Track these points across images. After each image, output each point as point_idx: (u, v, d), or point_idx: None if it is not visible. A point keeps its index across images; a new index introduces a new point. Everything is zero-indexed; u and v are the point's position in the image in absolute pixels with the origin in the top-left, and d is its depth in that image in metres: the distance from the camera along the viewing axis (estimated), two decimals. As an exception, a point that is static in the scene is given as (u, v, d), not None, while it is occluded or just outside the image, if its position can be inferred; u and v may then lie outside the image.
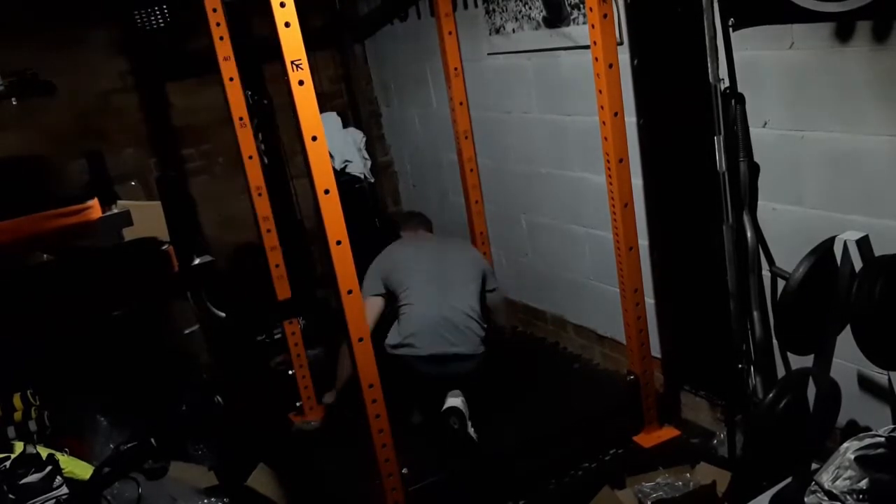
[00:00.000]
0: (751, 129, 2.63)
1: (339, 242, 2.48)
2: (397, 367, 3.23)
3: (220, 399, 3.52)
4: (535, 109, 3.69)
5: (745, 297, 2.72)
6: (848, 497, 1.78)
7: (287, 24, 2.30)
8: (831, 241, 2.22)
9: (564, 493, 2.97)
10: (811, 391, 2.32)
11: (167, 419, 3.18)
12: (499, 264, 4.20)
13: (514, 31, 3.60)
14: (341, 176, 4.48)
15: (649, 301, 3.21)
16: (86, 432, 2.93)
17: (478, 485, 3.02)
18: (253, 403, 3.81)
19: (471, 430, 3.09)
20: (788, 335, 2.38)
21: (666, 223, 3.16)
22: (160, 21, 3.95)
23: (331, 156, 3.37)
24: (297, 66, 2.33)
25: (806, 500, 1.87)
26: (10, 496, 2.13)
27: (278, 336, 4.05)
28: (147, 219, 3.06)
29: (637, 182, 3.08)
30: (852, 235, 2.15)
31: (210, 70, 3.35)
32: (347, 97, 5.00)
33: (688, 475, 2.75)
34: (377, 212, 4.79)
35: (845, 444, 1.88)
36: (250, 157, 3.43)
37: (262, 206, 3.49)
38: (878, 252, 2.16)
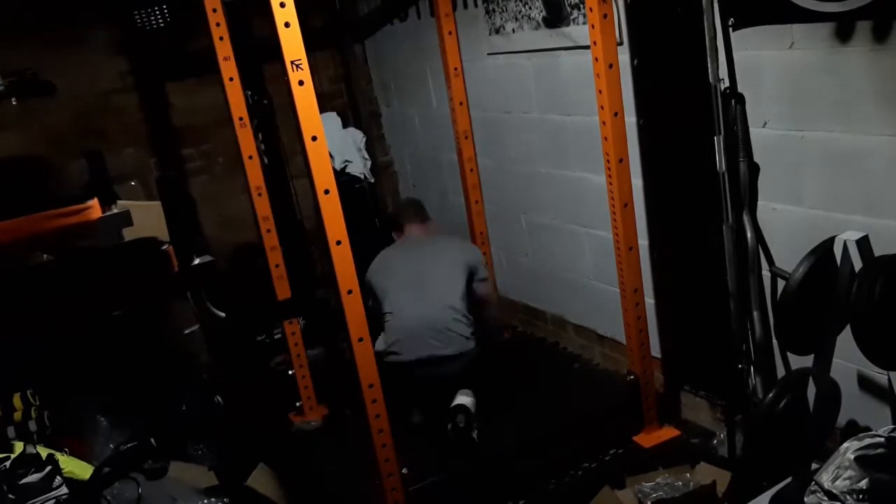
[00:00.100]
0: (751, 129, 2.62)
1: (339, 242, 2.48)
2: (390, 373, 3.22)
3: (220, 399, 3.52)
4: (535, 109, 3.68)
5: (745, 297, 2.72)
6: (848, 497, 1.78)
7: (287, 24, 2.30)
8: (831, 241, 2.22)
9: (564, 493, 2.97)
10: (811, 391, 2.32)
11: (167, 419, 3.18)
12: (499, 264, 4.20)
13: (514, 31, 3.60)
14: (341, 176, 4.48)
15: (649, 301, 3.21)
16: (86, 432, 2.92)
17: (478, 485, 3.02)
18: (253, 403, 3.81)
19: (474, 433, 3.09)
20: (788, 335, 2.38)
21: (666, 223, 3.16)
22: (160, 21, 3.95)
23: (331, 156, 3.36)
24: (297, 66, 2.33)
25: (806, 500, 1.86)
26: (10, 496, 2.13)
27: (278, 336, 4.06)
28: (147, 219, 3.05)
29: (637, 182, 3.07)
30: (852, 235, 2.15)
31: (210, 70, 3.35)
32: (347, 97, 5.00)
33: (688, 475, 2.75)
34: (377, 212, 4.79)
35: (845, 444, 1.88)
36: (250, 157, 3.44)
37: (262, 206, 3.49)
38: (878, 252, 2.16)
